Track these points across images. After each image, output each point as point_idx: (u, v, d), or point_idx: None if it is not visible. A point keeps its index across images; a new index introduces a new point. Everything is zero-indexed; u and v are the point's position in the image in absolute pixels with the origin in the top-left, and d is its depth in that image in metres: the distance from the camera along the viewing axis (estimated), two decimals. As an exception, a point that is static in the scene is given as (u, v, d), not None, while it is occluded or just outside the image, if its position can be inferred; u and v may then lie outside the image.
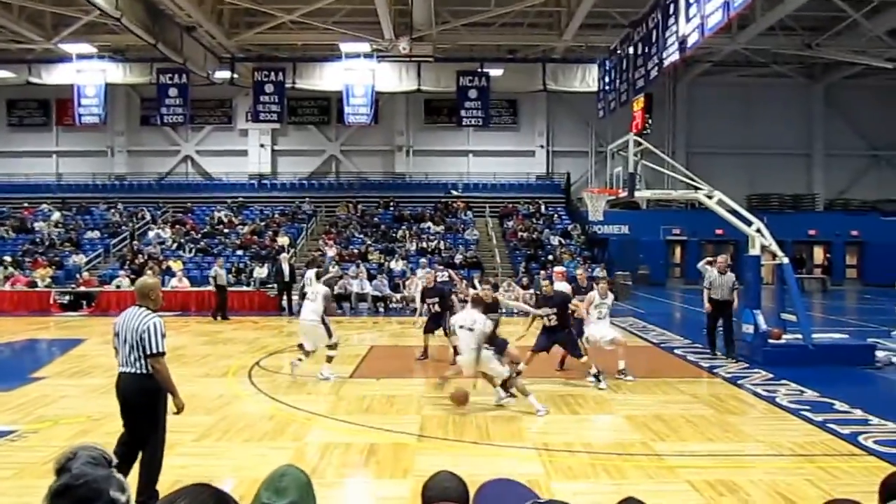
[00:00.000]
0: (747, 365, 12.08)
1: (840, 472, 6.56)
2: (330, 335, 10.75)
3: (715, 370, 11.75)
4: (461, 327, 8.93)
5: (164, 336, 5.44)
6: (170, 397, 5.60)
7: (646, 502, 2.01)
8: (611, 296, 11.43)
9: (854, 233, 34.13)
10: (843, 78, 33.67)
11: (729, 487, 6.05)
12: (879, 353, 12.73)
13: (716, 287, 13.09)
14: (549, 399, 9.50)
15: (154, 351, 5.36)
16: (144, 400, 5.47)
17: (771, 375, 11.05)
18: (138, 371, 5.42)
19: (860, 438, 7.61)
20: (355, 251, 26.50)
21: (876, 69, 29.19)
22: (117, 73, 27.09)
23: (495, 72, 26.94)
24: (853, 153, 36.10)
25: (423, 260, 24.66)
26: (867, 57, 27.49)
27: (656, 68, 17.71)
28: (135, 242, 27.56)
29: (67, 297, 21.71)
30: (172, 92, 26.57)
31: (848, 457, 7.06)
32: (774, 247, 13.20)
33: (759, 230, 13.26)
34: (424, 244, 27.70)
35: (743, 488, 6.04)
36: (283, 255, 21.38)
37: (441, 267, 21.69)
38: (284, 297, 20.52)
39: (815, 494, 5.92)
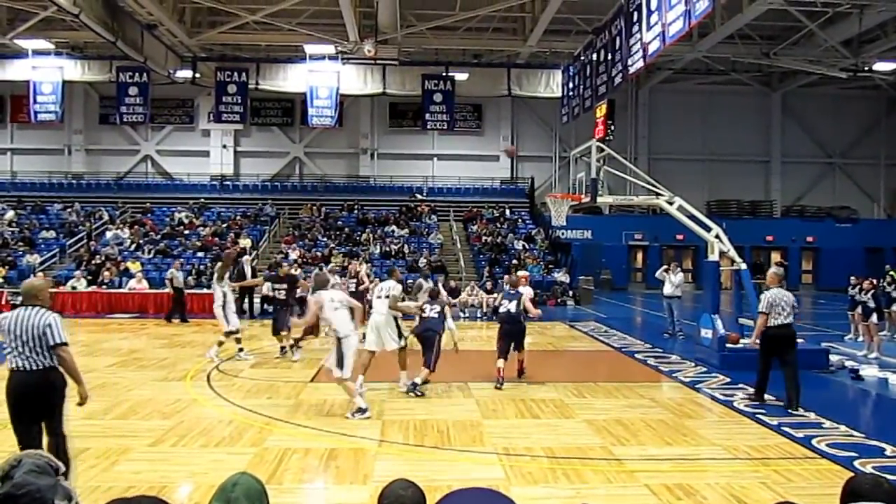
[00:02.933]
0: (705, 369, 12.25)
1: (793, 475, 6.67)
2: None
3: (674, 374, 11.89)
4: (378, 297, 10.38)
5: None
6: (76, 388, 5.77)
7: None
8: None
9: (809, 239, 34.98)
10: (799, 87, 34.48)
11: (686, 491, 6.11)
12: (833, 357, 12.99)
13: (775, 307, 9.57)
14: (510, 403, 9.54)
15: (59, 341, 5.58)
16: (52, 393, 5.59)
17: (728, 379, 11.22)
18: (42, 366, 5.58)
19: (813, 442, 7.75)
20: (318, 254, 26.32)
21: (831, 78, 29.97)
22: (75, 70, 26.57)
23: (460, 76, 27.00)
24: (809, 161, 36.99)
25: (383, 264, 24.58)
26: (822, 66, 28.19)
27: (620, 75, 17.89)
28: (92, 243, 26.99)
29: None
30: (132, 90, 26.12)
31: (801, 460, 7.18)
32: (733, 252, 13.42)
33: (717, 236, 13.47)
34: (388, 248, 27.62)
35: (699, 492, 6.11)
36: (245, 258, 21.12)
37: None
38: (245, 301, 20.27)
39: (769, 497, 6.01)
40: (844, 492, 2.48)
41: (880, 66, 28.49)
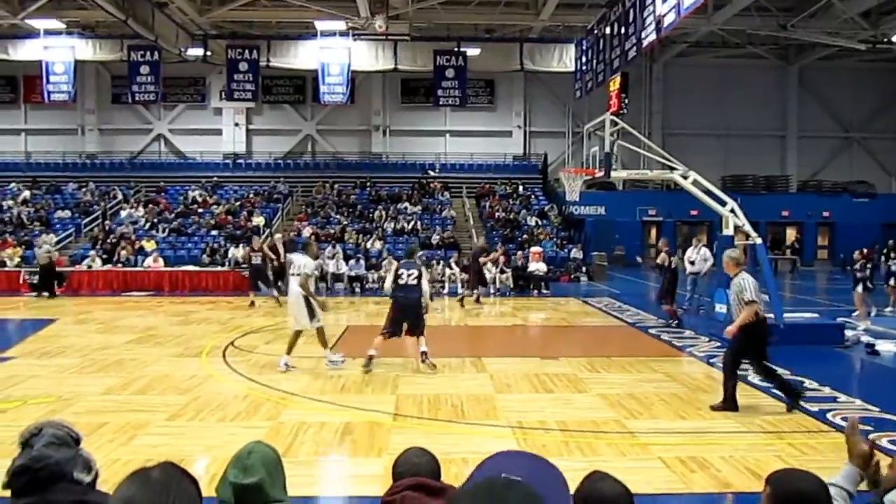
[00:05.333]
0: (720, 344, 12.22)
1: (808, 448, 6.67)
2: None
3: (688, 349, 11.87)
4: (291, 275, 10.21)
5: None
6: None
7: (615, 476, 2.00)
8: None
9: (825, 214, 34.61)
10: (817, 60, 33.97)
11: (699, 463, 6.12)
12: (848, 333, 12.93)
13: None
14: (524, 378, 9.56)
15: None
16: None
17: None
18: None
19: (828, 415, 7.74)
20: (332, 231, 26.36)
21: (849, 51, 29.46)
22: (87, 49, 26.53)
23: (472, 51, 26.78)
24: (826, 135, 36.54)
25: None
26: (841, 39, 27.70)
27: (634, 48, 17.69)
28: (107, 222, 27.16)
29: (37, 278, 21.35)
30: (144, 69, 26.10)
31: (816, 433, 7.18)
32: (748, 227, 13.33)
33: (732, 210, 13.38)
34: (401, 224, 27.63)
35: (713, 464, 6.12)
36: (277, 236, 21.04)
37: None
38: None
39: (783, 470, 6.01)
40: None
41: (899, 38, 28.06)
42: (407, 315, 10.06)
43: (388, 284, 10.34)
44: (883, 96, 36.20)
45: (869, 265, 15.13)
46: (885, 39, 27.65)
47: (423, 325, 10.12)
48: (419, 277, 10.08)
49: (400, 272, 10.09)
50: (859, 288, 14.81)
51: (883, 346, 12.07)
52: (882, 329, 13.75)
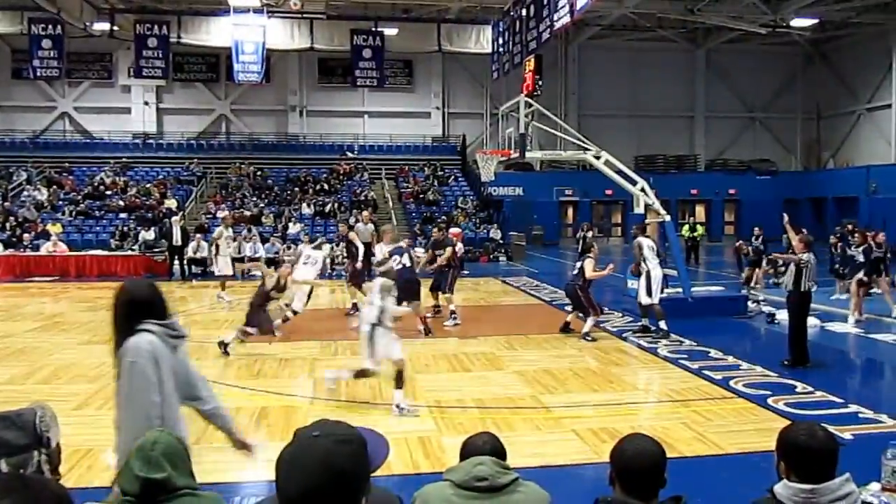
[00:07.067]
0: (632, 319, 12.59)
1: (712, 414, 6.98)
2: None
3: (602, 324, 12.18)
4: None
5: None
6: None
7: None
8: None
9: (732, 191, 36.07)
10: (722, 43, 35.13)
11: (611, 434, 6.30)
12: (751, 304, 13.57)
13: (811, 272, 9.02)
14: (442, 358, 9.62)
15: None
16: None
17: (654, 329, 11.56)
18: None
19: (731, 383, 8.11)
20: (248, 214, 25.78)
21: (752, 35, 30.67)
22: (-18, 22, 25.03)
23: (390, 31, 26.57)
24: (731, 115, 37.97)
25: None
26: (744, 23, 28.79)
27: (548, 30, 17.90)
28: (6, 204, 25.76)
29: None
30: (46, 44, 24.85)
31: (720, 400, 7.52)
32: (657, 205, 13.71)
33: (643, 189, 13.73)
34: (319, 207, 27.26)
35: (623, 433, 6.29)
36: (175, 219, 20.56)
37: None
38: (176, 262, 19.81)
39: (689, 436, 6.30)
40: (781, 442, 2.48)
41: (797, 23, 29.40)
42: (407, 295, 10.54)
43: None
44: (783, 78, 37.84)
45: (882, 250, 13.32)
46: (784, 24, 28.92)
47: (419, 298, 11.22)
48: (411, 259, 11.10)
49: (394, 258, 10.59)
50: (860, 275, 12.88)
51: (782, 316, 12.69)
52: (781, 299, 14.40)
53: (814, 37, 33.91)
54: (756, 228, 16.52)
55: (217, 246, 16.41)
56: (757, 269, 15.81)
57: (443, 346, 10.33)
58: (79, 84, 34.10)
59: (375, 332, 7.14)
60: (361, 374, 7.37)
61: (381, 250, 11.60)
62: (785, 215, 10.80)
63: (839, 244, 15.85)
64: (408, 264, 11.00)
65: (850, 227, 18.56)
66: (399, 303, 10.39)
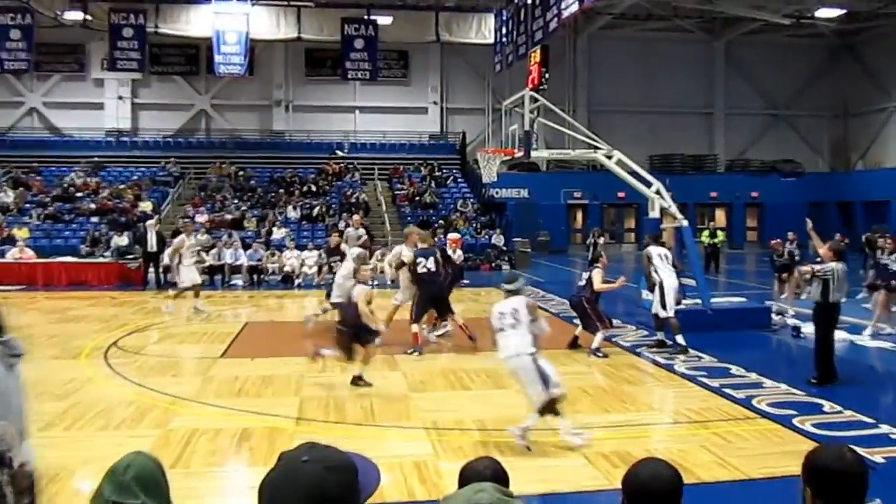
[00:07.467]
0: (646, 332, 12.56)
1: (733, 436, 6.95)
2: None
3: (614, 339, 12.15)
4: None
5: None
6: None
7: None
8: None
9: (754, 194, 36.08)
10: (743, 34, 35.23)
11: (623, 458, 6.27)
12: (775, 316, 13.55)
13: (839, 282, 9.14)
14: (439, 374, 9.60)
15: None
16: None
17: (671, 343, 11.54)
18: None
19: (754, 402, 8.09)
20: (228, 218, 25.76)
21: (774, 26, 30.71)
22: (-57, 10, 25.08)
23: (384, 20, 26.63)
24: (753, 112, 38.03)
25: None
26: (766, 13, 28.84)
27: (555, 19, 17.95)
28: (-31, 208, 25.77)
29: None
30: (14, 34, 24.91)
31: (742, 420, 7.50)
32: (674, 209, 13.70)
33: (658, 192, 13.72)
34: (307, 210, 27.25)
35: (637, 458, 6.27)
36: (150, 223, 20.55)
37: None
38: (151, 270, 19.77)
39: (708, 460, 6.27)
40: (807, 466, 2.46)
41: (823, 13, 29.37)
42: (436, 301, 11.11)
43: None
44: (808, 73, 37.89)
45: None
46: (809, 14, 28.94)
47: (449, 305, 11.53)
48: (437, 263, 11.16)
49: (419, 261, 11.02)
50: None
51: (809, 329, 12.67)
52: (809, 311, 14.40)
53: (841, 28, 33.92)
54: (790, 233, 16.39)
55: (180, 256, 15.76)
56: (787, 276, 15.50)
57: (440, 363, 10.31)
58: (48, 77, 34.10)
59: (538, 359, 6.61)
60: (550, 408, 6.57)
61: (403, 253, 11.70)
62: (808, 221, 10.79)
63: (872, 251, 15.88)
64: (433, 269, 11.14)
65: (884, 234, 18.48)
66: (427, 309, 10.77)
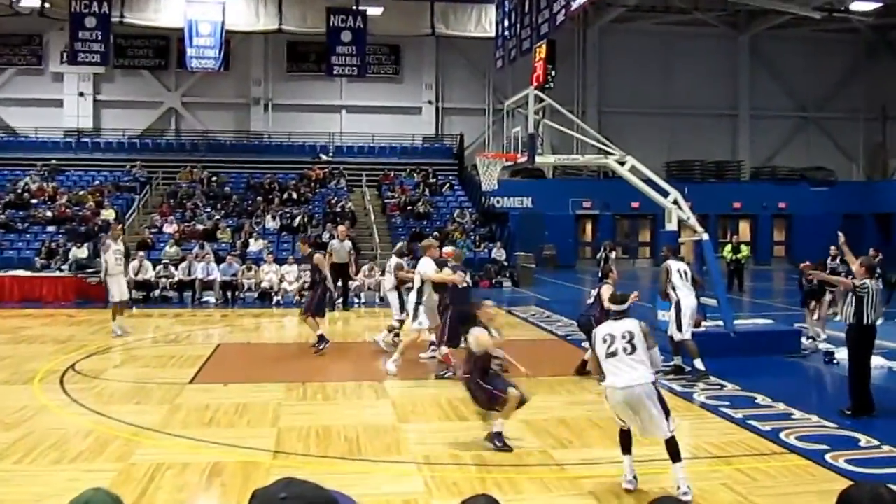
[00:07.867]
0: (663, 357, 12.53)
1: (759, 473, 6.95)
2: None
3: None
4: None
5: None
6: None
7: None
8: None
9: (781, 205, 36.12)
10: (769, 29, 35.41)
11: (636, 497, 6.28)
12: (805, 340, 13.55)
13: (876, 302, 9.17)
14: (432, 404, 9.58)
15: None
16: None
17: (688, 369, 11.53)
18: None
19: (782, 435, 8.08)
20: (200, 228, 25.76)
21: (804, 19, 30.81)
22: None
23: (374, 10, 26.77)
24: (780, 114, 38.13)
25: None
26: (794, 5, 28.97)
27: (563, 11, 18.05)
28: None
29: None
30: (-38, 24, 24.93)
31: (768, 456, 7.49)
32: (693, 221, 13.73)
33: (675, 201, 13.75)
34: (287, 220, 27.27)
35: (652, 497, 6.25)
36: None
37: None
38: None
39: (730, 499, 6.27)
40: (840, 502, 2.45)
41: (857, 6, 29.52)
42: (466, 319, 10.53)
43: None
44: (841, 71, 38.10)
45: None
46: (842, 7, 29.07)
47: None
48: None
49: (459, 275, 11.29)
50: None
51: (842, 355, 12.68)
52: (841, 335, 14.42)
53: (877, 23, 34.17)
54: (833, 248, 16.34)
55: (105, 263, 15.28)
56: (816, 305, 15.40)
57: (433, 390, 10.29)
58: (1, 72, 34.25)
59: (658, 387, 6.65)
60: (672, 448, 6.50)
61: (428, 266, 11.64)
62: (840, 235, 10.82)
63: None
64: (470, 283, 11.75)
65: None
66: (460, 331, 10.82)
